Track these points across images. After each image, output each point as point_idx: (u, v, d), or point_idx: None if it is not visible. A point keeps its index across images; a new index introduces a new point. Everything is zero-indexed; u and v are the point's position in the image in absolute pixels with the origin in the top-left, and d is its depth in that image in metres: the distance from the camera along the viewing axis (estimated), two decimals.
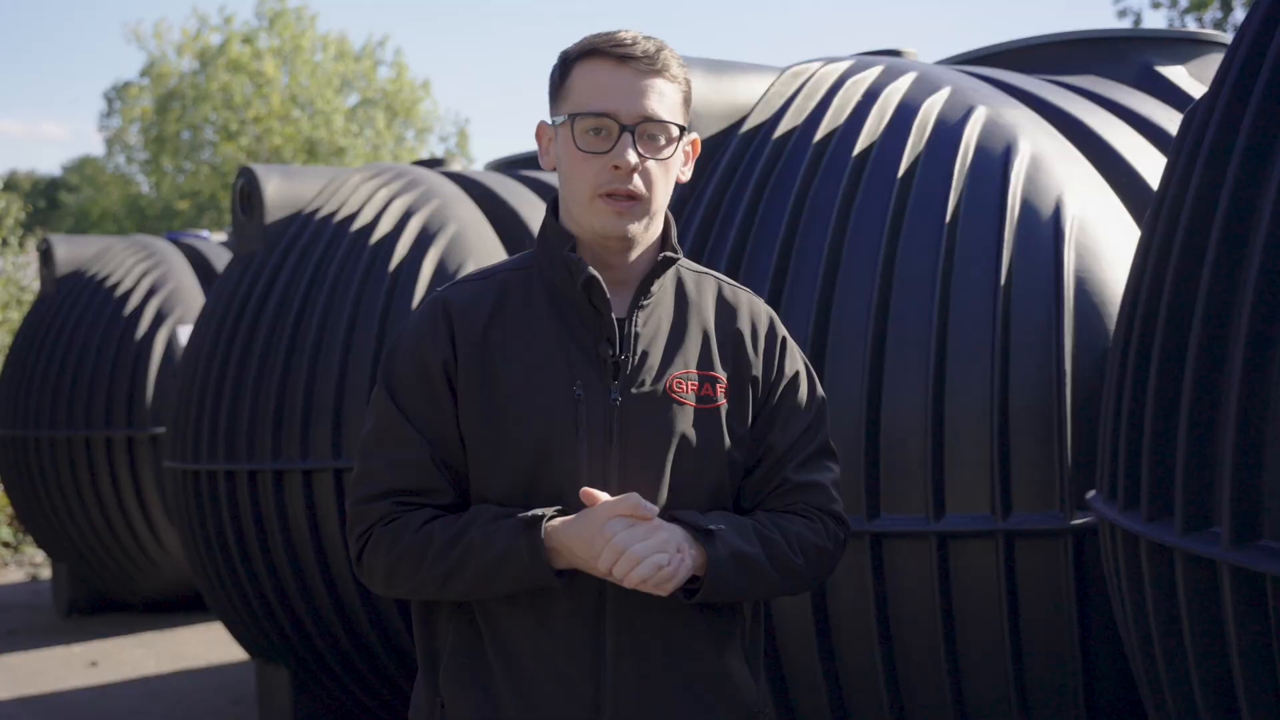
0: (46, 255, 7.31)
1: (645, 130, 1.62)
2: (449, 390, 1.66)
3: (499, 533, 1.60)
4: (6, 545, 9.59)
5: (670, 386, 1.67)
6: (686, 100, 1.68)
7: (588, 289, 1.65)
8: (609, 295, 1.67)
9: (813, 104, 3.08)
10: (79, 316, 6.79)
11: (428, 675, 1.73)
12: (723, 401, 1.70)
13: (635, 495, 1.58)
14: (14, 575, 8.97)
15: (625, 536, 1.56)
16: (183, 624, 6.97)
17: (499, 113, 63.52)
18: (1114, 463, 2.11)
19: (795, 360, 1.78)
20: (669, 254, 1.68)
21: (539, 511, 1.60)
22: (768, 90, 3.20)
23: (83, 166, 34.42)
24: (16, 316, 12.38)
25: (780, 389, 1.75)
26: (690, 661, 1.69)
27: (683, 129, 1.66)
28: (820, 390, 1.80)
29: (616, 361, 1.66)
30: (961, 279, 2.69)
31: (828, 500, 1.76)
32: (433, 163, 5.30)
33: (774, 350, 1.75)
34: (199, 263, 7.14)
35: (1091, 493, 2.35)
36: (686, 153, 1.71)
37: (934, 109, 2.96)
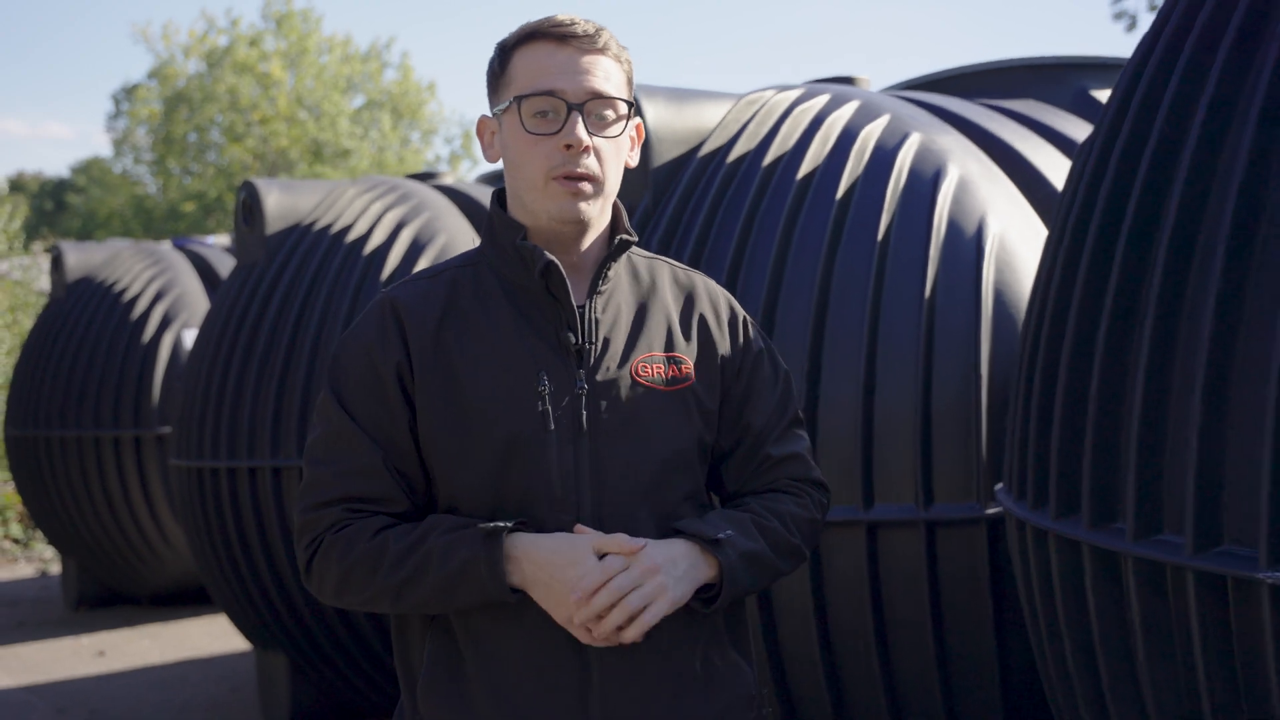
0: (57, 261, 7.64)
1: (593, 108, 1.61)
2: (402, 394, 1.63)
3: (458, 543, 1.57)
4: (16, 542, 9.93)
5: (636, 370, 1.65)
6: (629, 80, 1.66)
7: (545, 276, 1.63)
8: (569, 285, 1.65)
9: (764, 130, 3.39)
10: (88, 321, 7.13)
11: (407, 692, 1.70)
12: (690, 380, 1.68)
13: (623, 535, 1.58)
14: (24, 570, 9.32)
15: (622, 580, 1.55)
16: (187, 617, 7.30)
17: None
18: (1022, 461, 2.31)
19: (757, 338, 1.79)
20: (624, 237, 1.67)
21: (500, 524, 1.57)
22: (725, 117, 3.50)
23: (90, 168, 34.80)
24: (25, 320, 12.73)
25: (748, 367, 1.75)
26: (678, 654, 1.66)
27: (630, 105, 1.65)
28: (783, 364, 1.81)
29: (580, 349, 1.64)
30: (891, 291, 2.99)
31: (807, 469, 1.79)
32: (426, 175, 5.62)
33: (736, 329, 1.76)
34: (204, 269, 7.46)
35: (999, 486, 2.62)
36: (632, 138, 1.70)
37: (872, 136, 3.26)
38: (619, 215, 1.69)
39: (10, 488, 9.92)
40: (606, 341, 1.66)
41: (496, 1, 66.10)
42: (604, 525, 1.62)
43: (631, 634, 1.56)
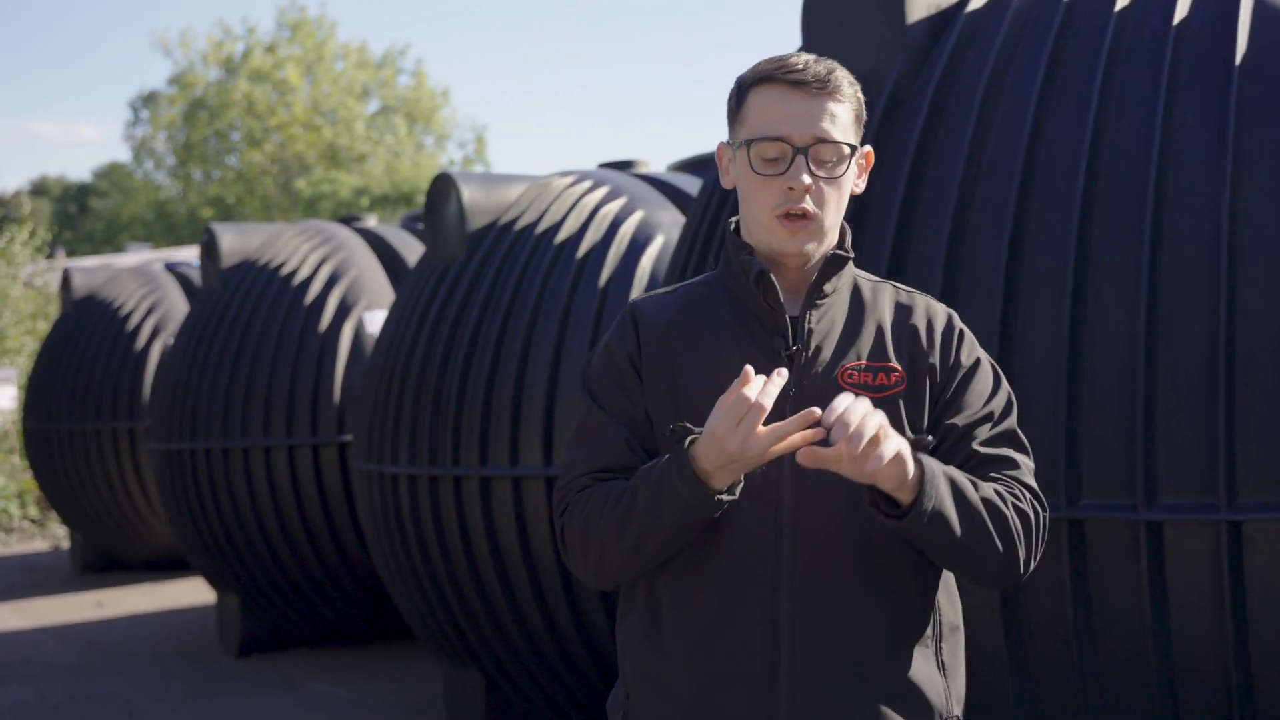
0: (66, 282, 9.45)
1: (818, 152, 1.74)
2: (637, 377, 1.80)
3: (654, 465, 1.70)
4: (33, 521, 11.79)
5: (843, 376, 1.76)
6: (858, 118, 1.80)
7: (759, 285, 1.77)
8: (785, 297, 1.79)
9: (542, 207, 5.01)
10: (90, 332, 8.92)
11: (622, 673, 1.85)
12: (897, 389, 1.77)
13: (748, 371, 1.62)
14: (40, 545, 11.19)
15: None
16: (173, 578, 9.11)
17: (517, 120, 65.75)
18: None
19: (974, 351, 1.84)
20: (839, 253, 1.80)
21: (682, 425, 1.69)
22: (520, 196, 5.14)
23: (111, 173, 36.77)
24: (45, 326, 14.62)
25: (958, 377, 1.81)
26: (872, 660, 1.73)
27: (854, 147, 1.78)
28: (1007, 386, 1.83)
29: (791, 355, 1.76)
30: (608, 324, 4.60)
31: (1023, 474, 1.78)
32: (349, 219, 7.33)
33: (951, 340, 1.82)
34: (189, 289, 9.21)
35: None
36: (860, 165, 1.83)
37: (610, 212, 4.88)
38: (843, 237, 1.83)
39: (28, 474, 11.75)
40: (818, 349, 1.78)
41: (511, 8, 68.04)
42: (801, 521, 1.73)
43: (853, 447, 1.56)
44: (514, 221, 5.00)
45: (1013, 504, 1.72)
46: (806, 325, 1.77)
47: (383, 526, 5.05)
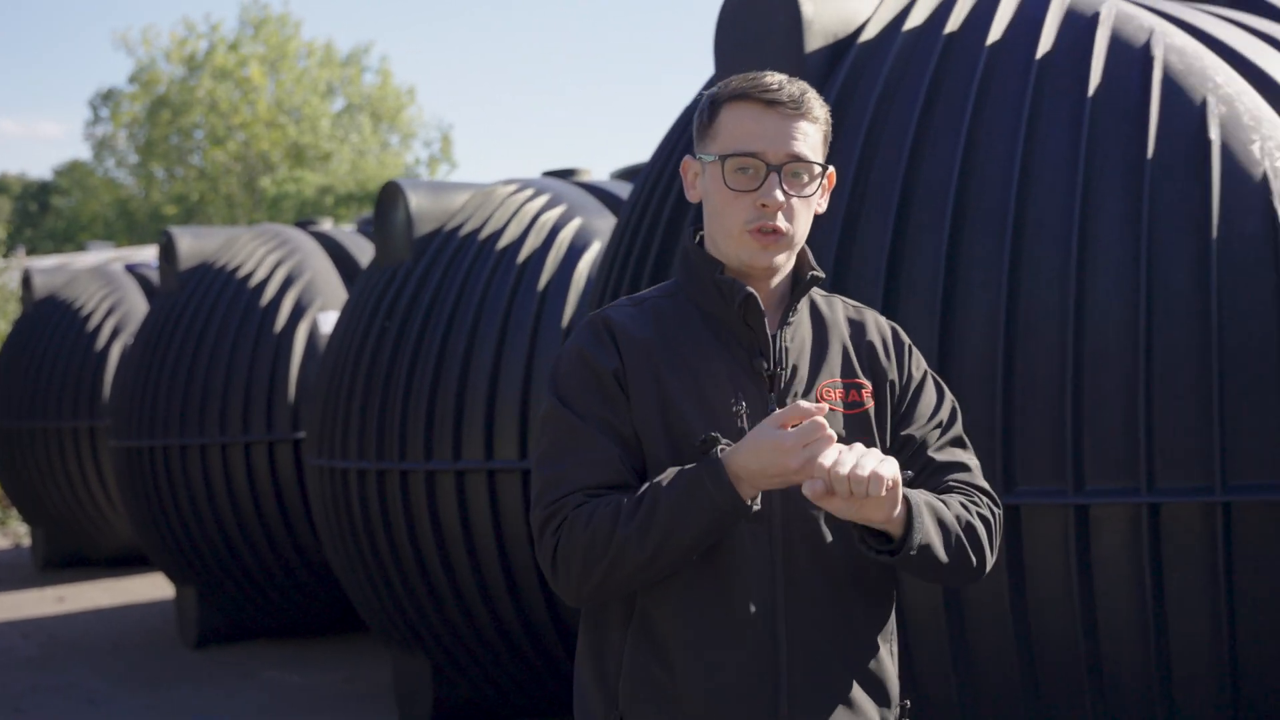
0: (27, 283, 9.63)
1: (790, 170, 1.78)
2: (622, 393, 1.79)
3: (679, 474, 1.71)
4: None
5: (820, 395, 1.82)
6: (826, 138, 1.84)
7: (743, 307, 1.80)
8: (765, 317, 1.81)
9: (485, 214, 5.28)
10: (50, 333, 9.12)
11: (600, 693, 1.82)
12: (869, 404, 1.84)
13: (802, 402, 1.68)
14: (1, 542, 11.33)
15: (826, 451, 1.64)
16: (132, 574, 9.31)
17: (483, 119, 65.90)
18: None
19: (921, 363, 1.94)
20: (814, 273, 1.85)
21: (712, 435, 1.72)
22: (465, 203, 5.41)
23: (72, 170, 36.63)
24: (3, 325, 14.72)
25: (911, 389, 1.90)
26: (859, 659, 1.82)
27: (823, 167, 1.82)
28: (949, 392, 1.94)
29: (772, 374, 1.81)
30: (547, 326, 4.86)
31: (975, 478, 1.88)
32: (305, 223, 7.57)
33: (903, 356, 1.91)
34: (149, 289, 9.41)
35: None
36: (824, 186, 1.85)
37: (550, 219, 5.15)
38: (805, 256, 1.87)
39: None
40: (795, 368, 1.83)
41: (476, 7, 68.17)
42: (793, 536, 1.78)
43: (875, 488, 1.62)
44: (459, 228, 5.27)
45: (977, 514, 1.82)
46: (782, 344, 1.82)
47: (334, 520, 5.29)
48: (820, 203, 1.86)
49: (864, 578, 1.81)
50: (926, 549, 1.72)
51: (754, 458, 1.67)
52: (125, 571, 9.45)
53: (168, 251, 7.11)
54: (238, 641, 7.03)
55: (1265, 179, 2.79)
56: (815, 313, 1.89)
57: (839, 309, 1.92)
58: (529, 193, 5.36)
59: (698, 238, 1.89)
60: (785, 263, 1.84)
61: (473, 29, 68.45)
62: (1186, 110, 2.86)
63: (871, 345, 1.89)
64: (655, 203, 3.77)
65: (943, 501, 1.79)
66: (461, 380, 4.85)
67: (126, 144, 34.90)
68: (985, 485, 1.88)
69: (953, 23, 3.19)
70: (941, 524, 1.75)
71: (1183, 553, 2.73)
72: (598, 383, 1.80)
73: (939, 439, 1.88)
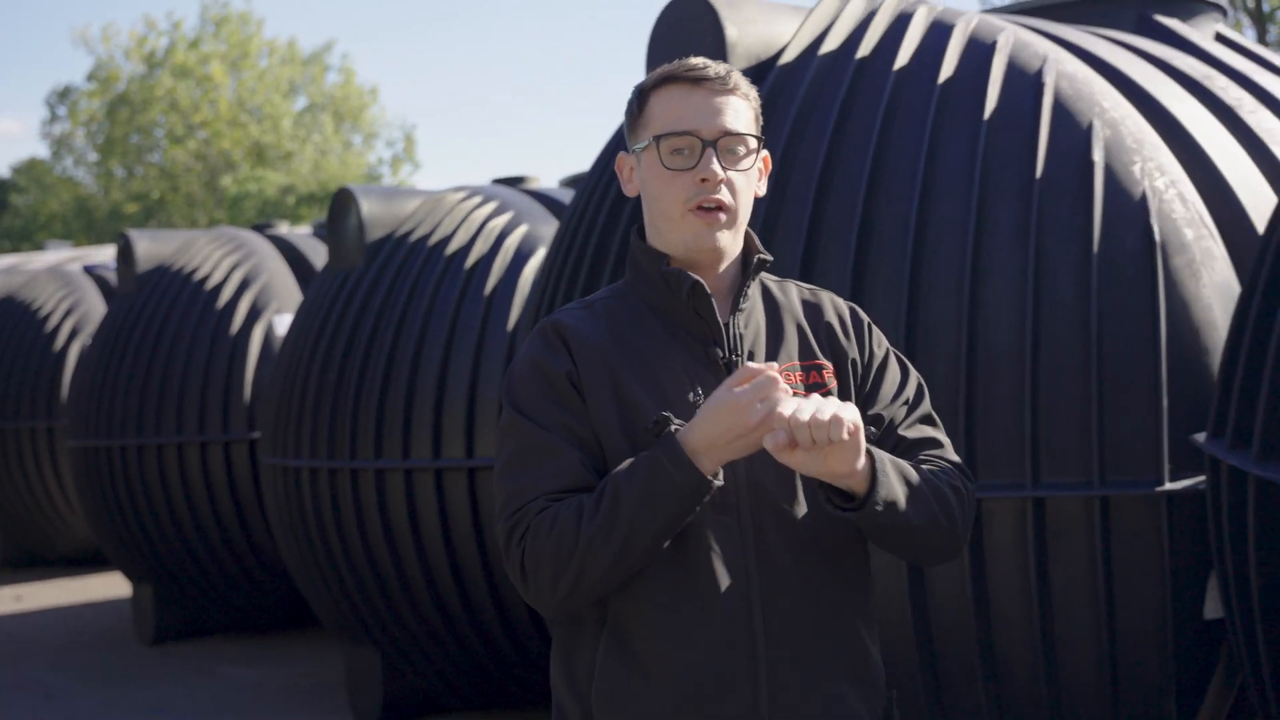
0: None
1: (726, 144, 1.77)
2: (578, 395, 1.77)
3: (636, 461, 1.70)
4: None
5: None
6: (758, 117, 1.84)
7: (692, 297, 1.78)
8: (715, 304, 1.80)
9: (434, 220, 5.48)
10: (8, 334, 9.24)
11: (573, 699, 1.81)
12: (832, 385, 1.82)
13: (750, 363, 1.69)
14: None
15: (784, 403, 1.62)
16: (90, 573, 9.42)
17: (446, 119, 65.90)
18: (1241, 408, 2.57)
19: (883, 341, 1.92)
20: (761, 256, 1.83)
21: (663, 415, 1.71)
22: (415, 210, 5.60)
23: (31, 168, 36.40)
24: None
25: (874, 367, 1.88)
26: (840, 648, 1.79)
27: (759, 139, 1.81)
28: (914, 369, 1.92)
29: (728, 362, 1.79)
30: (494, 329, 5.06)
31: (947, 452, 1.87)
32: (261, 226, 7.73)
33: (863, 334, 1.89)
34: (107, 291, 9.53)
35: (1201, 435, 2.92)
36: (760, 169, 1.84)
37: (497, 226, 5.35)
38: (751, 240, 1.86)
39: None
40: (751, 354, 1.81)
41: (439, 6, 68.17)
42: (761, 524, 1.76)
43: (836, 431, 1.60)
44: (409, 233, 5.46)
45: (947, 483, 1.79)
46: (736, 331, 1.81)
47: (288, 517, 5.47)
48: (759, 185, 1.86)
49: (840, 564, 1.79)
50: (893, 505, 1.69)
51: (712, 424, 1.65)
52: (83, 571, 9.56)
53: (125, 254, 7.26)
54: (194, 638, 7.19)
55: (1144, 197, 3.03)
56: (768, 297, 1.88)
57: (793, 292, 1.91)
58: (477, 200, 5.55)
59: (640, 233, 1.89)
60: (731, 245, 1.82)
61: (437, 28, 68.40)
62: (1074, 133, 3.10)
63: (830, 325, 1.87)
64: (592, 210, 3.97)
65: (912, 466, 1.78)
66: (410, 381, 5.04)
67: (85, 142, 34.74)
68: (957, 459, 1.87)
69: (864, 48, 3.41)
70: (908, 482, 1.73)
71: (1066, 544, 2.96)
72: (553, 388, 1.78)
73: (907, 416, 1.86)
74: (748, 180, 1.81)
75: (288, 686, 6.14)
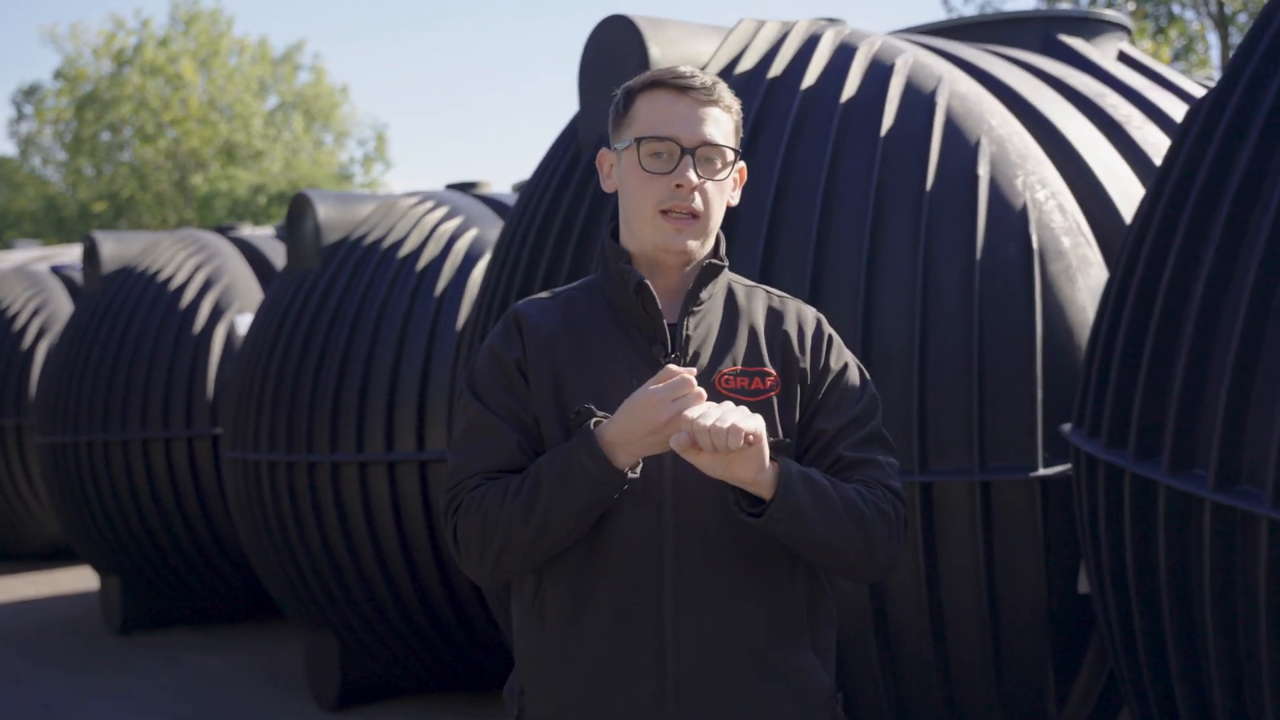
0: None
1: (704, 154, 1.83)
2: (525, 381, 1.87)
3: (558, 449, 1.79)
4: None
5: (719, 381, 1.85)
6: (738, 129, 1.90)
7: (639, 294, 1.85)
8: (662, 302, 1.87)
9: (389, 224, 5.73)
10: None
11: (517, 670, 1.94)
12: (773, 391, 1.86)
13: (671, 365, 1.73)
14: None
15: (694, 405, 1.69)
16: (59, 568, 9.61)
17: (418, 118, 65.95)
18: (1099, 403, 2.76)
19: (842, 355, 1.94)
20: (714, 261, 1.89)
21: (585, 407, 1.79)
22: (370, 214, 5.85)
23: None
24: None
25: (827, 381, 1.91)
26: (754, 648, 1.82)
27: (736, 152, 1.88)
28: (872, 387, 1.95)
29: (670, 359, 1.85)
30: (443, 330, 5.32)
31: (885, 475, 1.88)
32: (224, 229, 7.97)
33: (820, 345, 1.92)
34: (74, 291, 9.72)
35: (1067, 426, 3.12)
36: (735, 179, 1.92)
37: (448, 230, 5.61)
38: (718, 245, 1.92)
39: None
40: (696, 355, 1.87)
41: (410, 5, 68.20)
42: (683, 520, 1.82)
43: (735, 439, 1.65)
44: (364, 237, 5.71)
45: (873, 503, 1.82)
46: (684, 332, 1.86)
47: (248, 508, 5.74)
48: (733, 195, 1.92)
49: (763, 570, 1.84)
50: (797, 516, 1.73)
51: (628, 418, 1.73)
52: (52, 565, 9.77)
53: (91, 255, 7.48)
54: (160, 628, 7.42)
55: (1025, 209, 3.32)
56: (731, 301, 1.93)
57: (759, 299, 1.95)
58: (429, 205, 5.81)
59: (613, 231, 1.96)
60: (698, 250, 1.87)
61: (409, 26, 68.42)
62: (962, 149, 3.38)
63: (786, 334, 1.91)
64: (529, 214, 4.22)
65: (831, 482, 1.80)
66: (364, 378, 5.29)
67: (53, 140, 34.68)
68: (894, 484, 1.88)
69: (776, 68, 3.69)
70: (819, 496, 1.76)
71: (952, 526, 3.25)
72: (504, 373, 1.87)
73: (852, 434, 1.89)
74: (720, 190, 1.88)
75: (250, 673, 6.38)
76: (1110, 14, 4.61)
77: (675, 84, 1.85)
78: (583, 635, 1.83)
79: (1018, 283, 3.26)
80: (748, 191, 3.50)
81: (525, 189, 4.45)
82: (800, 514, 1.74)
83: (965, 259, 3.27)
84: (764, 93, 3.64)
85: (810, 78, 3.62)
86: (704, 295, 1.89)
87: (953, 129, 3.43)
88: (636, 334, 1.88)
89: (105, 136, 33.21)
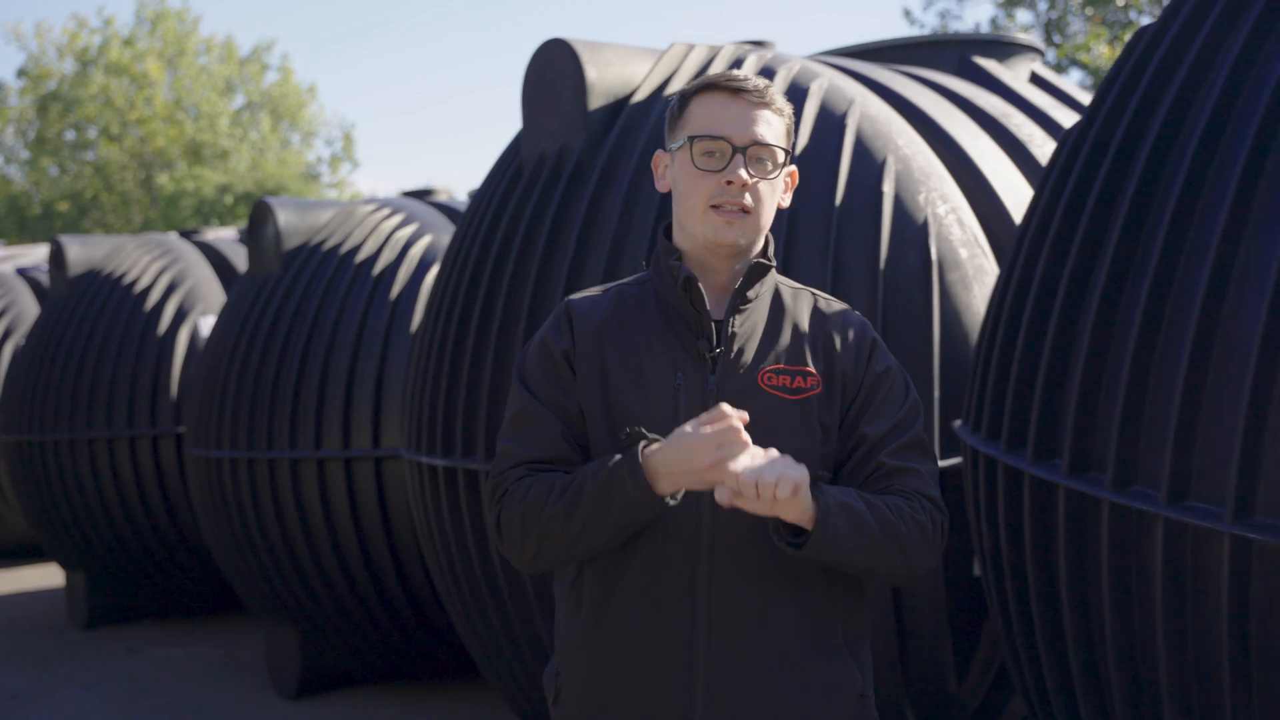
0: None
1: (755, 153, 1.89)
2: (571, 373, 1.92)
3: (605, 464, 1.82)
4: None
5: (762, 379, 1.88)
6: (789, 131, 1.95)
7: (687, 289, 1.89)
8: (710, 300, 1.91)
9: (346, 230, 6.00)
10: None
11: (556, 650, 2.01)
12: (813, 392, 1.90)
13: (724, 405, 1.76)
14: None
15: (738, 457, 1.73)
16: (26, 565, 9.81)
17: (385, 118, 66.01)
18: (997, 403, 2.88)
19: (886, 359, 1.98)
20: (761, 261, 1.93)
21: (636, 430, 1.82)
22: (329, 220, 6.11)
23: None
24: None
25: (869, 384, 1.95)
26: (785, 650, 1.87)
27: (787, 153, 1.93)
28: (914, 392, 1.99)
29: (714, 356, 1.89)
30: (398, 333, 5.58)
31: (924, 485, 1.92)
32: (188, 233, 8.21)
33: (864, 349, 1.97)
34: (40, 292, 9.92)
35: (958, 423, 3.29)
36: (786, 182, 1.97)
37: (404, 236, 5.88)
38: (768, 245, 1.98)
39: None
40: (740, 351, 1.91)
41: (379, 5, 68.25)
42: (721, 518, 1.87)
43: (784, 490, 1.70)
44: (323, 243, 5.98)
45: (911, 518, 1.87)
46: (730, 329, 1.91)
47: (211, 504, 6.02)
48: (784, 197, 1.98)
49: (797, 576, 1.89)
50: (836, 547, 1.79)
51: (673, 453, 1.77)
52: (19, 563, 9.97)
53: (57, 258, 7.72)
54: (125, 622, 7.65)
55: (926, 222, 3.63)
56: (777, 301, 1.98)
57: (804, 301, 2.01)
58: (386, 212, 6.08)
59: (666, 229, 2.02)
60: (748, 245, 1.93)
61: (375, 27, 68.40)
62: (870, 167, 3.69)
63: (830, 336, 1.96)
64: (477, 221, 4.49)
65: (868, 503, 1.85)
66: (322, 378, 5.56)
67: (16, 139, 34.59)
68: (933, 493, 1.94)
69: None
70: (856, 525, 1.81)
71: None
72: (552, 364, 1.94)
73: (894, 441, 1.93)
74: (772, 189, 1.94)
75: (213, 664, 6.62)
76: (1023, 37, 4.94)
77: (729, 86, 1.93)
78: (615, 617, 1.90)
79: (918, 290, 3.56)
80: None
81: (472, 200, 4.73)
82: (838, 544, 1.81)
83: (870, 268, 3.57)
84: None
85: None
86: (751, 294, 1.95)
87: (861, 149, 3.73)
88: (683, 329, 1.94)
89: (69, 136, 33.17)
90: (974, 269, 3.66)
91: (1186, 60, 2.62)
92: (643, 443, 1.82)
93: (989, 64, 4.72)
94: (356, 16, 67.16)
